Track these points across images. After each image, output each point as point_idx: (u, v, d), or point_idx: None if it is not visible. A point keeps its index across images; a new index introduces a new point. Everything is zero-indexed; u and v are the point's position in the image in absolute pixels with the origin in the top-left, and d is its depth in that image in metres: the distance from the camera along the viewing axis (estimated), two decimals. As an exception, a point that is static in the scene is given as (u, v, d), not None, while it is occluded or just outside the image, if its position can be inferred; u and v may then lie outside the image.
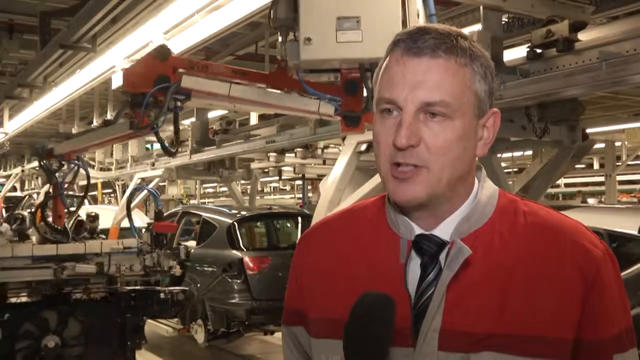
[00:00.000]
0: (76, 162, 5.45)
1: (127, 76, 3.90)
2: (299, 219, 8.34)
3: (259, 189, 26.14)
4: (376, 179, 5.00)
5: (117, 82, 7.29)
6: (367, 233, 1.13)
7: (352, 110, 3.36)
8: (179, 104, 3.80)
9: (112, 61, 6.96)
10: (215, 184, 23.26)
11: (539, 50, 4.36)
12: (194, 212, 8.51)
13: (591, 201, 13.16)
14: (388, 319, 0.98)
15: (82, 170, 5.64)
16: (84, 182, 5.95)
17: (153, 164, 10.43)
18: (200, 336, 6.88)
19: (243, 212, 7.97)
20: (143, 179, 10.27)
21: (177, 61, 3.70)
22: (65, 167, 5.49)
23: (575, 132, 5.14)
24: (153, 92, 3.63)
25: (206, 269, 7.29)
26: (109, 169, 12.32)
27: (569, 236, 1.05)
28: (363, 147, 5.32)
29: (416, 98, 1.01)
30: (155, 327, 7.62)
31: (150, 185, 10.00)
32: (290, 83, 3.45)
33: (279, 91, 3.59)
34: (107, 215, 10.24)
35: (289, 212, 9.19)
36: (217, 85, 3.67)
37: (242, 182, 14.08)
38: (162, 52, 3.69)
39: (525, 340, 0.99)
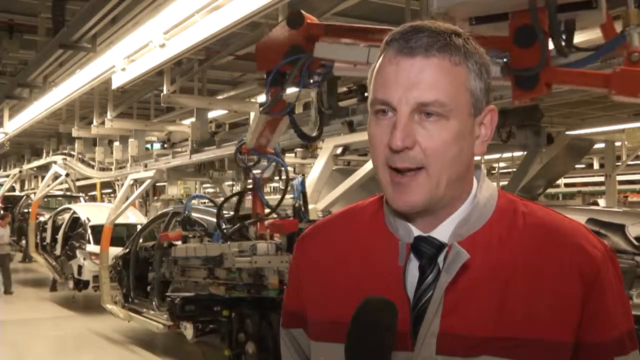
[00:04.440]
0: (273, 156, 4.96)
1: (259, 51, 3.29)
2: None
3: (259, 188, 26.13)
4: (351, 180, 5.06)
5: (117, 81, 7.27)
6: (366, 234, 1.12)
7: (526, 68, 2.60)
8: (316, 78, 3.22)
9: (112, 61, 6.95)
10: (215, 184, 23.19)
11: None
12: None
13: (601, 202, 13.13)
14: (391, 325, 0.96)
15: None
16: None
17: (146, 165, 10.41)
18: (189, 332, 6.97)
19: (231, 212, 8.01)
20: (136, 180, 10.27)
21: (312, 27, 3.06)
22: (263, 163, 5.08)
23: (540, 136, 5.22)
24: (281, 67, 3.10)
25: None
26: (109, 169, 12.28)
27: (569, 237, 1.04)
28: (339, 150, 5.33)
29: (410, 99, 1.00)
30: (146, 324, 7.77)
31: (142, 187, 9.94)
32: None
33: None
34: (104, 213, 10.27)
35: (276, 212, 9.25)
36: (355, 52, 3.04)
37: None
38: (294, 19, 3.09)
39: (525, 343, 0.98)
